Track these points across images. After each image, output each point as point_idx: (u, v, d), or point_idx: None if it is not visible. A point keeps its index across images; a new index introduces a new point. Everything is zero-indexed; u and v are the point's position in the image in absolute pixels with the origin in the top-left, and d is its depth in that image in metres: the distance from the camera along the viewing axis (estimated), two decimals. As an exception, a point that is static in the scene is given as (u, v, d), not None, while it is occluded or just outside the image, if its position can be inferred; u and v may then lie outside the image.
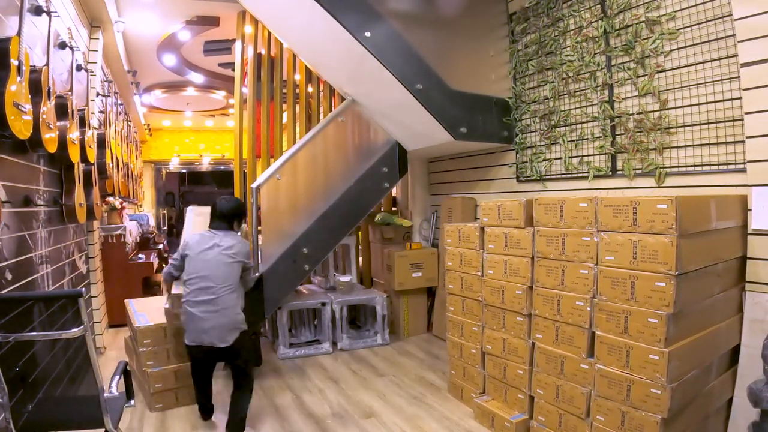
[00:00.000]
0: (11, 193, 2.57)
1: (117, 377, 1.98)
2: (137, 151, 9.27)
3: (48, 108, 2.64)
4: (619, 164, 3.18)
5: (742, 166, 2.51)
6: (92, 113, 4.26)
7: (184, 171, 14.92)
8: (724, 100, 2.60)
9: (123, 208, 5.75)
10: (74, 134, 3.17)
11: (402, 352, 4.36)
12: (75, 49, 3.55)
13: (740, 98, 2.45)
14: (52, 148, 2.71)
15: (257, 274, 3.01)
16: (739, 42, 2.38)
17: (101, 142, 4.29)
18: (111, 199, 5.40)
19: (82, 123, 3.50)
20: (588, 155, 3.39)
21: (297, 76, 5.51)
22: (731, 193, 2.51)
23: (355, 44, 3.37)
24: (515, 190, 4.08)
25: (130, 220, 6.90)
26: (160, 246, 8.17)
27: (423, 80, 3.56)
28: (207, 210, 3.13)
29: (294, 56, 5.31)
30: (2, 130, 2.11)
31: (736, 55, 2.47)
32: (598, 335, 2.29)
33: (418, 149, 4.40)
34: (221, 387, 3.47)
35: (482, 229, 3.06)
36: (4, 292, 2.39)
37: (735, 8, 2.39)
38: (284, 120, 5.47)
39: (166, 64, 6.85)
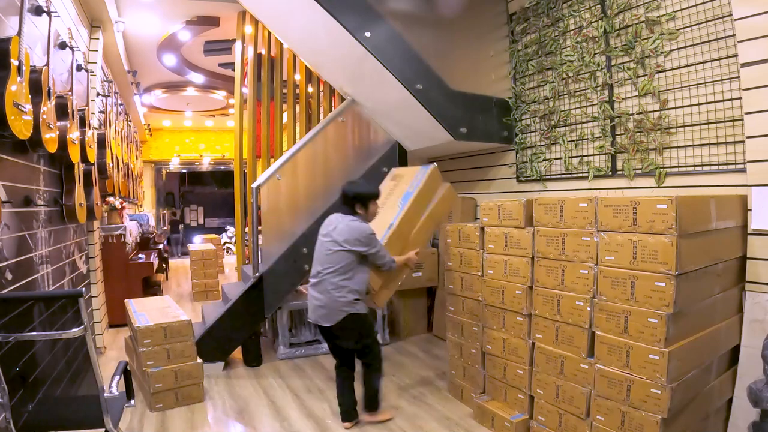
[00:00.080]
0: (11, 193, 2.57)
1: (117, 377, 1.98)
2: (137, 151, 9.28)
3: (48, 108, 2.64)
4: (619, 164, 3.18)
5: (742, 166, 2.51)
6: (92, 113, 4.26)
7: (184, 171, 14.92)
8: (724, 100, 2.60)
9: (123, 208, 5.75)
10: (74, 134, 3.18)
11: (402, 352, 4.36)
12: (75, 49, 3.55)
13: (740, 98, 2.45)
14: (52, 148, 2.71)
15: (387, 254, 2.85)
16: (739, 42, 2.38)
17: (101, 142, 4.29)
18: (111, 199, 5.40)
19: (83, 123, 3.50)
20: (588, 155, 3.39)
21: (297, 76, 5.51)
22: (731, 193, 2.51)
23: (355, 44, 3.37)
24: (515, 190, 4.08)
25: (130, 220, 6.90)
26: (160, 246, 8.17)
27: (423, 80, 3.56)
28: (404, 171, 3.39)
29: (294, 56, 5.32)
30: (2, 130, 2.11)
31: (736, 55, 2.47)
32: (598, 335, 2.29)
33: (418, 149, 4.41)
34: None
35: (482, 229, 3.06)
36: (4, 292, 2.39)
37: (735, 8, 2.39)
38: (284, 120, 5.47)
39: (167, 64, 6.85)
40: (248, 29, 5.26)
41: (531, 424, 2.72)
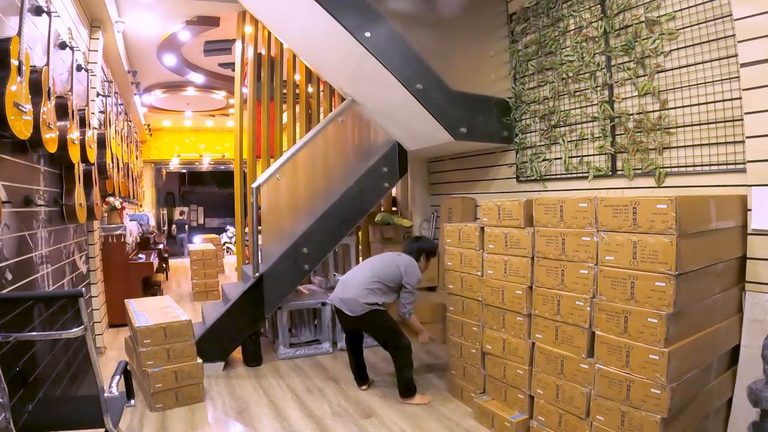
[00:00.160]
0: (11, 193, 2.57)
1: (117, 377, 1.98)
2: (137, 151, 9.28)
3: (48, 108, 2.64)
4: (618, 164, 3.18)
5: (742, 166, 2.51)
6: (92, 113, 4.26)
7: (184, 171, 14.93)
8: (724, 100, 2.60)
9: (123, 208, 5.75)
10: (74, 134, 3.18)
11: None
12: (75, 49, 3.55)
13: (740, 98, 2.45)
14: (52, 148, 2.71)
15: (413, 303, 3.36)
16: (738, 42, 2.38)
17: (101, 142, 4.29)
18: (111, 199, 5.41)
19: (83, 123, 3.50)
20: (588, 155, 3.39)
21: (297, 77, 5.51)
22: (731, 193, 2.51)
23: (355, 44, 3.37)
24: (515, 190, 4.08)
25: (131, 220, 6.90)
26: (161, 246, 8.18)
27: (423, 80, 3.56)
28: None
29: (294, 56, 5.32)
30: (2, 130, 2.12)
31: (735, 55, 2.47)
32: (598, 335, 2.29)
33: (418, 149, 4.41)
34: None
35: (482, 229, 3.06)
36: (4, 292, 2.39)
37: (735, 8, 2.39)
38: (284, 120, 5.47)
39: (167, 64, 6.86)
40: (248, 29, 5.26)
41: (531, 424, 2.72)
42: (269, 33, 5.03)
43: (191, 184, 16.38)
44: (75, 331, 1.69)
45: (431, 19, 3.86)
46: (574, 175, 3.51)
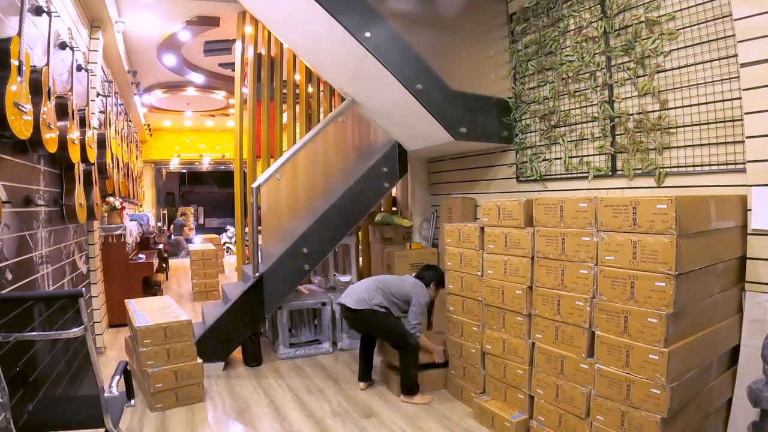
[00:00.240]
0: (12, 193, 2.58)
1: (117, 377, 1.98)
2: (137, 151, 9.28)
3: (48, 108, 2.64)
4: (618, 164, 3.18)
5: (741, 166, 2.51)
6: (92, 113, 4.26)
7: (184, 171, 14.94)
8: (723, 100, 2.60)
9: (123, 208, 5.75)
10: (74, 134, 3.18)
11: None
12: (75, 49, 3.55)
13: (740, 98, 2.45)
14: (52, 148, 2.71)
15: (419, 325, 3.35)
16: (738, 42, 2.38)
17: (101, 142, 4.30)
18: (111, 199, 5.41)
19: (83, 123, 3.50)
20: (588, 155, 3.39)
21: (297, 77, 5.51)
22: (731, 193, 2.51)
23: (355, 44, 3.37)
24: (515, 190, 4.08)
25: (131, 220, 6.90)
26: (160, 246, 8.18)
27: (423, 80, 3.56)
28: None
29: (294, 56, 5.32)
30: (3, 130, 2.12)
31: (735, 56, 2.47)
32: (598, 335, 2.29)
33: (418, 149, 4.40)
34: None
35: (482, 229, 3.06)
36: (4, 292, 2.40)
37: (735, 8, 2.39)
38: (284, 120, 5.47)
39: (167, 64, 6.86)
40: (248, 29, 5.26)
41: (531, 423, 2.72)
42: (269, 33, 5.03)
43: (191, 184, 16.39)
44: (75, 331, 1.69)
45: (431, 19, 3.86)
46: (574, 175, 3.51)
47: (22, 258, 2.71)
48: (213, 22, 5.42)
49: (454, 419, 3.03)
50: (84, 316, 1.68)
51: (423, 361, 3.42)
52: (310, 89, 5.75)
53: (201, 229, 14.90)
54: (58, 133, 2.84)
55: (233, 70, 5.65)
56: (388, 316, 3.34)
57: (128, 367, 2.12)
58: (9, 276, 2.49)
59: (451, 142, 3.86)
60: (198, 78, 7.67)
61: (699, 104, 2.71)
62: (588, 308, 2.34)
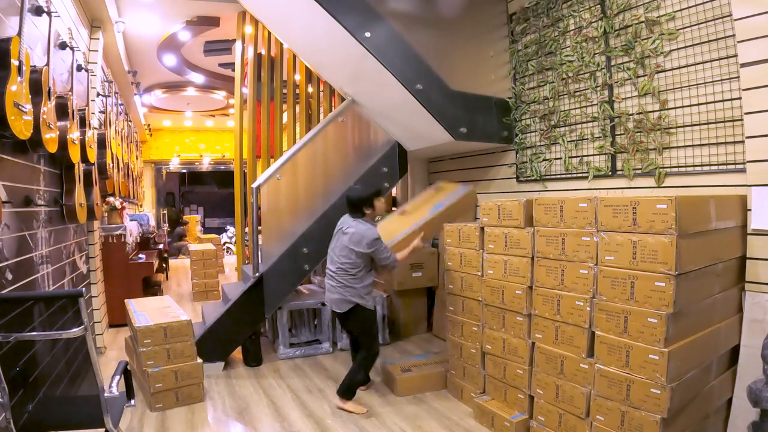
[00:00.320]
0: (12, 193, 2.58)
1: (117, 377, 1.98)
2: (137, 151, 9.28)
3: (48, 108, 2.64)
4: (618, 164, 3.18)
5: (741, 166, 2.51)
6: (92, 113, 4.26)
7: (184, 171, 14.93)
8: (723, 101, 2.60)
9: (123, 208, 5.75)
10: (74, 134, 3.18)
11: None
12: (75, 49, 3.55)
13: (740, 98, 2.45)
14: (52, 148, 2.71)
15: (390, 255, 3.09)
16: (738, 42, 2.38)
17: (101, 142, 4.30)
18: (111, 199, 5.41)
19: (83, 123, 3.50)
20: (588, 155, 3.40)
21: (297, 77, 5.51)
22: (731, 193, 2.51)
23: (355, 45, 3.37)
24: (515, 190, 4.08)
25: (131, 220, 6.90)
26: (161, 246, 8.18)
27: (423, 80, 3.56)
28: (447, 186, 4.06)
29: (294, 56, 5.32)
30: (3, 130, 2.12)
31: (735, 56, 2.47)
32: (598, 335, 2.29)
33: (418, 149, 4.41)
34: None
35: (482, 229, 3.06)
36: (4, 292, 2.40)
37: (735, 8, 2.39)
38: (284, 120, 5.47)
39: (167, 64, 6.86)
40: (248, 29, 5.26)
41: (531, 423, 2.72)
42: (269, 33, 5.03)
43: (191, 184, 16.38)
44: (75, 331, 1.69)
45: (431, 19, 3.86)
46: (574, 175, 3.51)
47: (22, 258, 2.71)
48: (213, 22, 5.42)
49: (454, 419, 3.04)
50: (84, 316, 1.69)
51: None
52: (310, 89, 5.75)
53: (201, 229, 14.89)
54: (58, 133, 2.84)
55: (233, 70, 5.65)
56: (365, 314, 3.14)
57: (128, 367, 2.12)
58: (9, 276, 2.49)
59: (451, 142, 3.86)
60: (198, 78, 7.67)
61: (699, 104, 2.71)
62: (588, 308, 2.34)
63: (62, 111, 3.01)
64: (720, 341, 2.37)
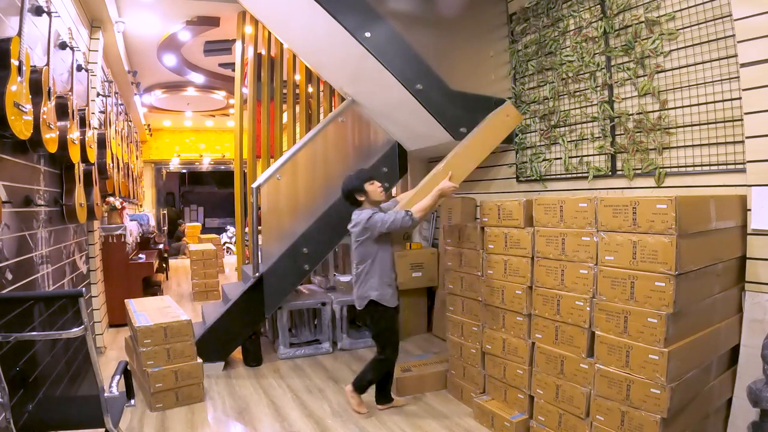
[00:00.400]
0: (12, 193, 2.58)
1: (117, 377, 1.98)
2: (137, 151, 9.29)
3: (48, 108, 2.65)
4: (618, 164, 3.18)
5: (741, 166, 2.51)
6: (92, 113, 4.27)
7: (184, 171, 14.94)
8: (723, 101, 2.60)
9: (123, 208, 5.75)
10: (74, 134, 3.18)
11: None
12: (75, 49, 3.55)
13: (740, 98, 2.45)
14: (52, 148, 2.71)
15: (397, 216, 2.79)
16: (738, 42, 2.38)
17: (101, 142, 4.30)
18: (111, 199, 5.41)
19: (83, 123, 3.50)
20: (588, 155, 3.40)
21: (297, 77, 5.51)
22: (731, 193, 2.51)
23: (355, 44, 3.37)
24: (515, 190, 4.08)
25: (131, 220, 6.90)
26: (161, 246, 8.18)
27: (423, 80, 3.56)
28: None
29: (294, 56, 5.32)
30: (3, 130, 2.12)
31: (735, 56, 2.47)
32: (598, 335, 2.29)
33: (418, 149, 4.41)
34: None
35: (482, 229, 3.06)
36: (4, 292, 2.40)
37: (735, 8, 2.39)
38: (284, 120, 5.47)
39: (167, 64, 6.86)
40: (248, 29, 5.26)
41: (531, 423, 2.72)
42: (269, 33, 5.03)
43: (191, 184, 16.39)
44: (75, 331, 1.69)
45: (431, 19, 3.86)
46: (574, 175, 3.51)
47: (22, 258, 2.71)
48: (213, 22, 5.42)
49: (454, 419, 3.03)
50: (84, 316, 1.69)
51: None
52: (310, 89, 5.75)
53: (201, 228, 14.90)
54: (58, 133, 2.84)
55: (233, 70, 5.65)
56: (385, 312, 2.97)
57: (128, 367, 2.12)
58: (9, 276, 2.50)
59: (451, 142, 3.86)
60: (198, 78, 7.67)
61: (699, 104, 2.71)
62: (588, 308, 2.34)
63: (62, 111, 3.01)
64: (720, 341, 2.37)
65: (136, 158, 8.60)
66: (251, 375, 3.85)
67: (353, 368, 3.94)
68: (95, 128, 4.26)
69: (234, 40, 5.52)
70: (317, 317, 4.59)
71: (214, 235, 11.96)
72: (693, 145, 2.76)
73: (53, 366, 1.91)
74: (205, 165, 13.60)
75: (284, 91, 5.38)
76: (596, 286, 2.31)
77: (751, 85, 2.34)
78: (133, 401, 2.11)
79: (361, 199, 2.99)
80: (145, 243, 7.53)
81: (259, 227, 4.13)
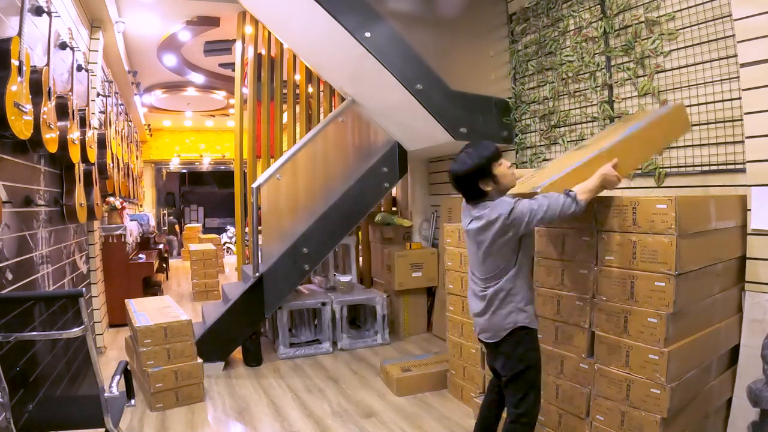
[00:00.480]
0: (12, 193, 2.58)
1: (117, 377, 1.98)
2: (138, 151, 9.29)
3: (48, 108, 2.65)
4: (618, 164, 3.17)
5: (741, 166, 2.51)
6: (93, 113, 4.27)
7: (184, 171, 14.94)
8: (723, 101, 2.60)
9: (123, 208, 5.75)
10: (75, 134, 3.18)
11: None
12: (75, 49, 3.55)
13: (740, 98, 2.45)
14: (52, 148, 2.71)
15: (554, 200, 1.93)
16: (738, 42, 2.38)
17: (102, 142, 4.30)
18: (111, 199, 5.41)
19: (83, 123, 3.51)
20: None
21: (297, 77, 5.51)
22: (731, 193, 2.51)
23: (355, 45, 3.37)
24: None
25: (131, 220, 6.91)
26: (161, 246, 8.18)
27: (423, 80, 3.56)
28: (637, 114, 2.51)
29: (294, 56, 5.32)
30: (3, 131, 2.12)
31: (735, 56, 2.47)
32: (598, 335, 2.29)
33: (418, 149, 4.41)
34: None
35: (482, 229, 3.06)
36: (4, 291, 2.40)
37: (735, 8, 2.39)
38: (284, 120, 5.47)
39: (167, 64, 6.86)
40: (248, 29, 5.26)
41: (531, 423, 2.71)
42: (269, 33, 5.03)
43: (191, 184, 16.38)
44: (75, 331, 1.69)
45: (431, 19, 3.86)
46: (574, 175, 3.51)
47: (22, 258, 2.71)
48: (213, 22, 5.43)
49: (454, 419, 3.03)
50: (84, 316, 1.69)
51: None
52: (310, 89, 5.75)
53: (201, 229, 14.90)
54: (58, 133, 2.84)
55: (233, 70, 5.65)
56: (531, 343, 2.10)
57: (128, 367, 2.12)
58: (9, 276, 2.50)
59: (451, 142, 3.86)
60: (198, 78, 7.68)
61: (699, 104, 2.71)
62: (588, 308, 2.34)
63: (62, 111, 3.01)
64: (720, 341, 2.37)
65: (136, 158, 8.60)
66: (251, 375, 3.86)
67: (353, 368, 3.95)
68: (95, 128, 4.27)
69: (234, 40, 5.52)
70: (317, 317, 4.59)
71: (214, 235, 11.96)
72: (693, 145, 2.76)
73: (53, 366, 1.91)
74: (205, 165, 13.60)
75: (284, 91, 5.38)
76: (596, 285, 2.30)
77: (751, 85, 2.34)
78: (133, 401, 2.11)
79: (488, 189, 2.01)
80: (145, 243, 7.54)
81: (259, 227, 4.13)
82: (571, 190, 1.96)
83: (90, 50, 4.48)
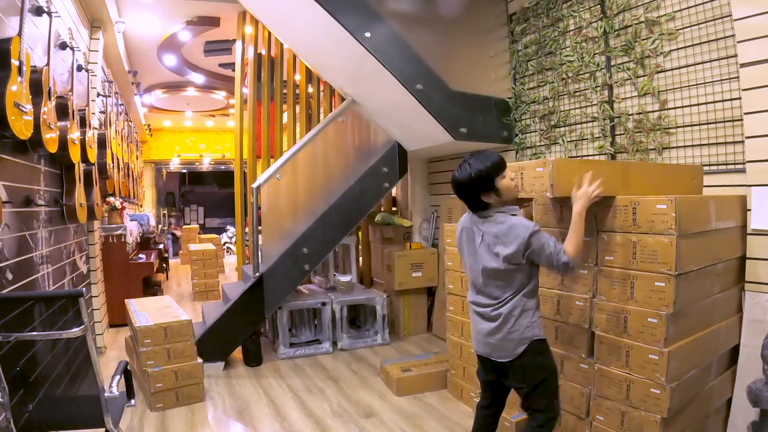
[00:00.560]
0: (12, 193, 2.58)
1: (117, 377, 1.98)
2: (138, 151, 9.29)
3: (49, 108, 2.65)
4: (618, 164, 3.18)
5: (741, 166, 2.51)
6: (93, 113, 4.27)
7: (184, 171, 14.94)
8: (723, 101, 2.60)
9: (123, 208, 5.75)
10: (75, 134, 3.18)
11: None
12: (75, 49, 3.55)
13: (740, 98, 2.45)
14: (52, 148, 2.71)
15: (557, 250, 1.95)
16: (738, 42, 2.38)
17: (102, 142, 4.30)
18: (111, 199, 5.41)
19: (83, 123, 3.51)
20: (588, 155, 3.39)
21: (297, 77, 5.51)
22: (731, 193, 2.51)
23: (355, 45, 3.37)
24: (515, 190, 4.08)
25: (131, 220, 6.90)
26: (161, 246, 8.18)
27: (423, 80, 3.56)
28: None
29: (294, 56, 5.32)
30: (3, 131, 2.12)
31: (735, 56, 2.48)
32: (598, 335, 2.29)
33: (418, 149, 4.41)
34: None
35: (482, 229, 3.06)
36: (4, 291, 2.40)
37: (734, 8, 2.39)
38: (284, 120, 5.47)
39: (167, 64, 6.86)
40: (248, 29, 5.26)
41: (531, 423, 2.71)
42: (269, 33, 5.03)
43: (191, 184, 16.38)
44: (75, 331, 1.69)
45: (431, 19, 3.86)
46: (574, 175, 3.51)
47: (22, 258, 2.71)
48: (213, 22, 5.43)
49: (454, 419, 3.03)
50: (84, 316, 1.69)
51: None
52: (310, 89, 5.75)
53: (201, 229, 14.90)
54: (58, 133, 2.84)
55: (233, 70, 5.65)
56: (547, 353, 2.04)
57: (128, 367, 2.12)
58: (9, 276, 2.50)
59: (451, 142, 3.86)
60: (198, 78, 7.68)
61: (699, 104, 2.71)
62: (588, 308, 2.34)
63: (62, 111, 3.01)
64: (720, 341, 2.37)
65: (136, 158, 8.60)
66: (251, 375, 3.86)
67: (353, 368, 3.94)
68: (95, 128, 4.27)
69: (234, 40, 5.52)
70: (317, 317, 4.59)
71: (214, 235, 11.96)
72: (693, 145, 2.76)
73: (53, 366, 1.91)
74: (205, 165, 13.60)
75: (284, 91, 5.39)
76: (596, 285, 2.31)
77: (751, 85, 2.34)
78: (133, 401, 2.11)
79: (490, 201, 2.05)
80: (145, 243, 7.54)
81: (259, 227, 4.13)
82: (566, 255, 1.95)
83: (90, 50, 4.48)
